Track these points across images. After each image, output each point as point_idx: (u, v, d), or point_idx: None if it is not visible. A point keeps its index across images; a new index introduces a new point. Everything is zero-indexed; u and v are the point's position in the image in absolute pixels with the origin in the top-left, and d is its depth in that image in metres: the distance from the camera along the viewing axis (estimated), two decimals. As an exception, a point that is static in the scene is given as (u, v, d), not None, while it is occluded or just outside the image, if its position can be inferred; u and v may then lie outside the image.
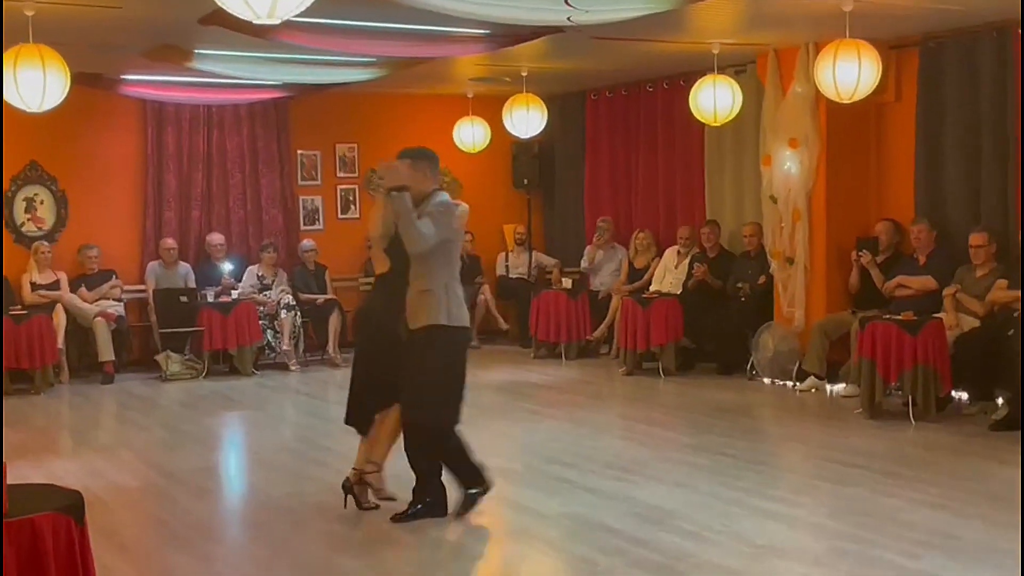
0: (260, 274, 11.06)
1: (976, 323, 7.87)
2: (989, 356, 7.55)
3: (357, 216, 12.22)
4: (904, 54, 8.75)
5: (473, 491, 5.49)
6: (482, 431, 7.74)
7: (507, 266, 12.50)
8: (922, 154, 8.80)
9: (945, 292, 8.15)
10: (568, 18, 6.10)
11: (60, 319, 9.93)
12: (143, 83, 10.08)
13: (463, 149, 11.62)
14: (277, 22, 3.76)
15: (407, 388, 5.36)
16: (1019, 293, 7.57)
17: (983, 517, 5.42)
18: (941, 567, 4.67)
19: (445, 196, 5.47)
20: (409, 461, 5.47)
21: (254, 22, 3.73)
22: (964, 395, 8.01)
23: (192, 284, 10.82)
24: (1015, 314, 7.51)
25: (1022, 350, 7.21)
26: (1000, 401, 7.63)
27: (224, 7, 3.65)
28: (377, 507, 5.57)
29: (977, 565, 4.69)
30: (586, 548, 5.06)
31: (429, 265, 5.29)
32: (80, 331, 10.18)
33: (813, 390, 8.93)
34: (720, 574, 4.71)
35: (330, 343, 11.03)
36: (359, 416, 5.71)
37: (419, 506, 5.44)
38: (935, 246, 8.48)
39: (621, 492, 5.98)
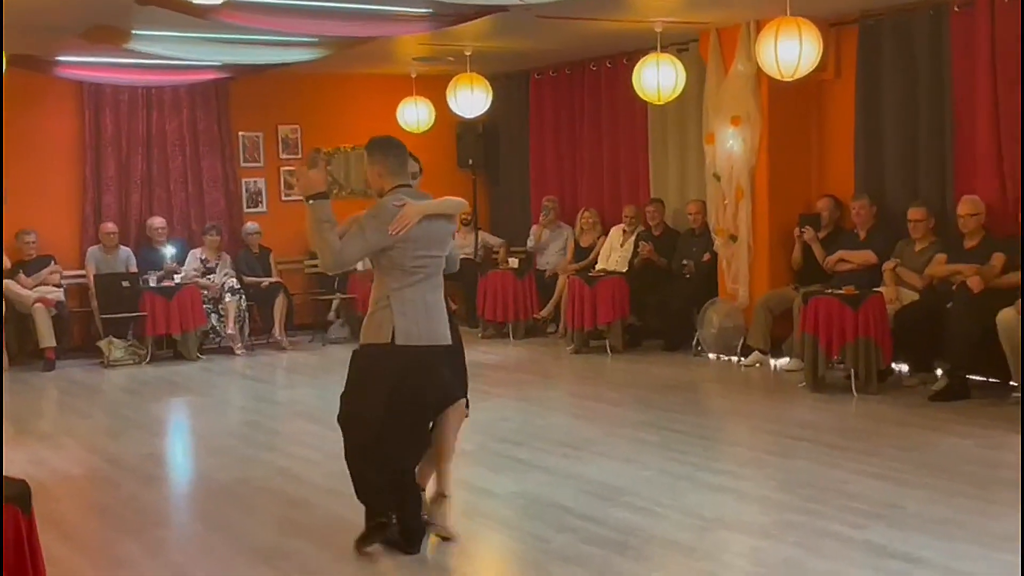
0: (203, 257, 10.94)
1: (915, 296, 8.00)
2: (928, 329, 7.68)
3: (301, 198, 12.06)
4: (843, 32, 8.85)
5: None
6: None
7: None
8: (861, 131, 8.93)
9: (885, 266, 8.28)
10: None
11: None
12: (80, 65, 9.88)
13: (407, 129, 11.52)
14: (219, 2, 3.68)
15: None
16: (957, 267, 7.71)
17: (926, 486, 5.52)
18: (886, 537, 4.74)
19: (401, 195, 4.57)
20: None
21: (194, 1, 3.65)
22: (904, 367, 8.18)
23: (133, 268, 10.65)
24: (953, 287, 7.65)
25: (961, 323, 7.38)
26: (939, 373, 7.78)
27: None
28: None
29: (921, 534, 4.76)
30: (539, 526, 5.08)
31: (378, 275, 4.66)
32: (19, 318, 9.98)
33: (757, 365, 9.04)
34: (671, 548, 4.75)
35: (276, 326, 10.95)
36: None
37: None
38: (875, 221, 8.62)
39: (572, 469, 6.01)
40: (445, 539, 4.80)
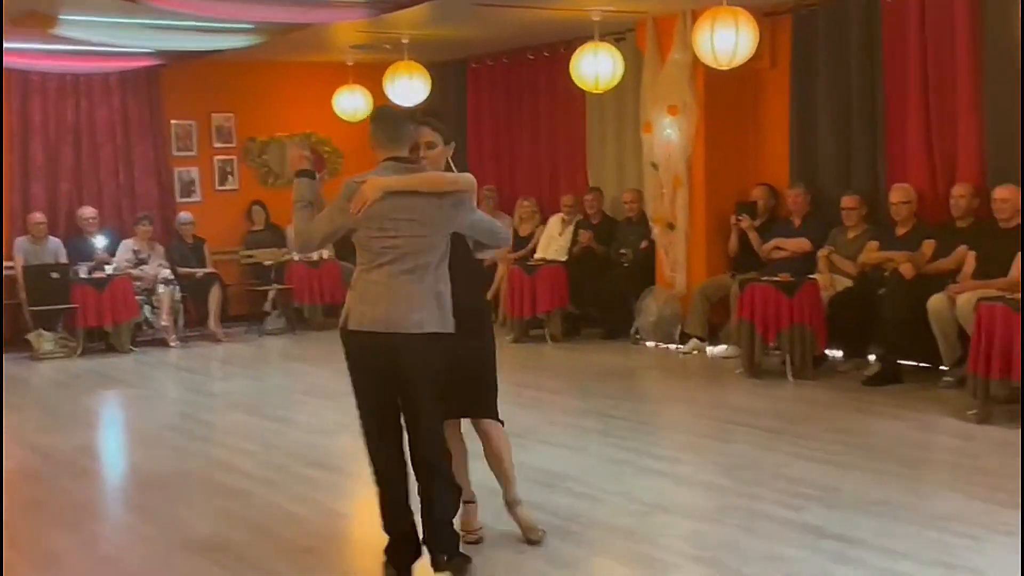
0: (135, 248, 10.75)
1: (849, 283, 8.10)
2: (861, 315, 7.79)
3: (236, 187, 11.97)
4: (778, 21, 8.91)
5: None
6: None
7: (391, 236, 12.40)
8: (796, 120, 9.04)
9: (819, 253, 8.37)
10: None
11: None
12: (6, 51, 9.62)
13: (343, 118, 11.47)
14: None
15: None
16: (889, 254, 7.84)
17: (861, 468, 5.61)
18: (822, 518, 4.81)
19: (381, 169, 4.14)
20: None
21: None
22: (838, 353, 8.27)
23: (63, 259, 10.42)
24: (885, 274, 7.78)
25: (893, 309, 7.51)
26: (872, 358, 7.91)
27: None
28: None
29: (857, 515, 4.83)
30: (482, 512, 5.02)
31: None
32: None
33: (695, 352, 9.11)
34: (612, 533, 4.78)
35: (211, 317, 10.80)
36: None
37: None
38: (809, 209, 8.71)
39: (513, 457, 6.00)
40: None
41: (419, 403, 4.14)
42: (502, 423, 4.62)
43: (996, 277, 7.10)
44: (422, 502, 4.18)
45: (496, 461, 4.62)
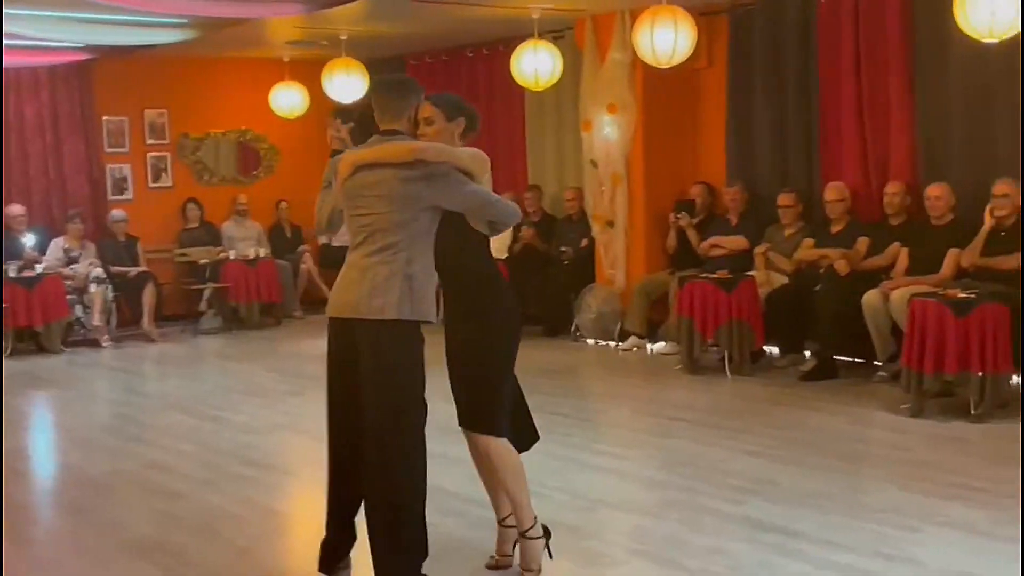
0: (66, 247, 10.57)
1: (785, 280, 8.21)
2: (797, 311, 7.89)
3: (169, 185, 11.82)
4: (715, 21, 8.98)
5: None
6: (311, 401, 7.64)
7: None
8: (733, 118, 9.13)
9: (756, 251, 8.48)
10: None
11: None
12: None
13: (280, 115, 11.42)
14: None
15: None
16: (824, 251, 7.95)
17: (798, 462, 5.67)
18: (762, 511, 4.86)
19: (370, 141, 3.91)
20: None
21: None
22: (775, 349, 8.38)
23: (-9, 258, 10.23)
24: (821, 271, 7.90)
25: (828, 305, 7.62)
26: (808, 354, 8.02)
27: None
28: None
29: (796, 508, 4.89)
30: (427, 510, 5.04)
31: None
32: None
33: (635, 349, 9.17)
34: (556, 528, 4.73)
35: (145, 317, 10.65)
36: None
37: None
38: (746, 207, 8.82)
39: (456, 455, 5.88)
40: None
41: (369, 399, 3.79)
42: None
43: (929, 273, 7.24)
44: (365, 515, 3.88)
45: (492, 481, 4.19)
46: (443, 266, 3.95)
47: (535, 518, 4.06)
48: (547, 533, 4.14)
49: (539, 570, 4.04)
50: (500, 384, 4.05)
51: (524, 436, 4.29)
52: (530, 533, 4.03)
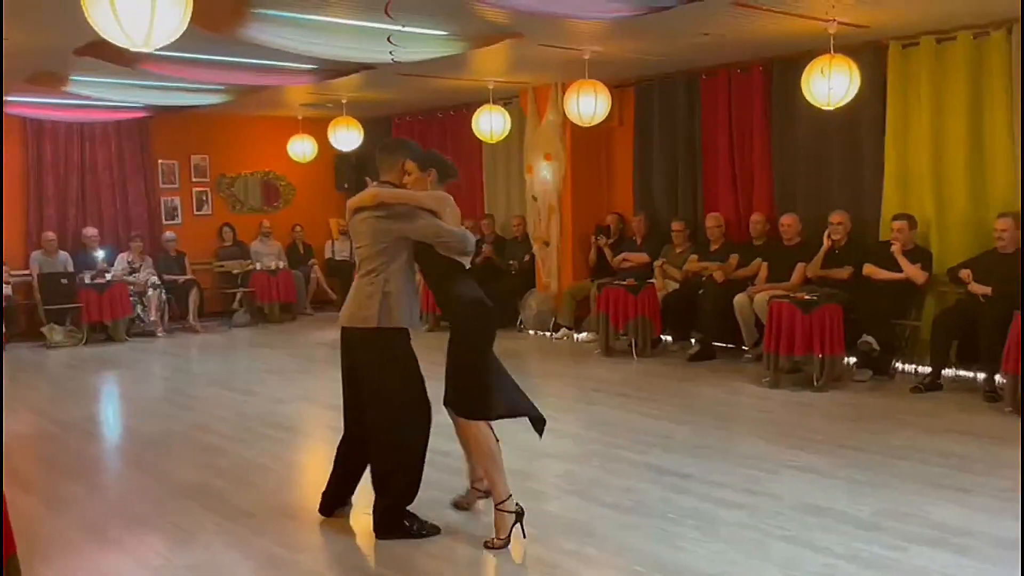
0: (129, 260, 10.36)
1: (676, 286, 8.25)
2: (686, 309, 7.95)
3: (210, 213, 11.64)
4: (625, 92, 9.02)
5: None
6: (321, 378, 7.60)
7: (333, 251, 12.23)
8: (638, 164, 9.17)
9: (655, 264, 8.52)
10: (390, 53, 5.94)
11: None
12: (23, 104, 9.18)
13: (295, 160, 11.29)
14: (151, 50, 3.49)
15: None
16: (705, 264, 8.02)
17: (687, 422, 5.74)
18: (662, 459, 4.91)
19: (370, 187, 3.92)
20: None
21: (131, 49, 3.45)
22: (670, 337, 8.41)
23: (71, 269, 9.98)
24: (703, 279, 7.97)
25: (709, 304, 7.70)
26: (694, 341, 8.10)
27: (104, 36, 3.35)
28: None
29: (686, 456, 4.95)
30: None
31: None
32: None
33: (565, 337, 9.17)
34: (508, 474, 4.73)
35: (190, 314, 10.47)
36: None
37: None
38: (648, 231, 8.87)
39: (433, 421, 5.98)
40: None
41: (367, 386, 3.82)
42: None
43: (782, 281, 7.34)
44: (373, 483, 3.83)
45: (467, 454, 4.06)
46: (434, 290, 3.96)
47: (510, 495, 3.75)
48: (520, 513, 3.76)
49: (506, 542, 3.69)
50: (475, 373, 3.83)
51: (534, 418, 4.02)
52: (503, 506, 3.74)
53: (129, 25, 3.21)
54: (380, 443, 3.85)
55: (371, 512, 3.89)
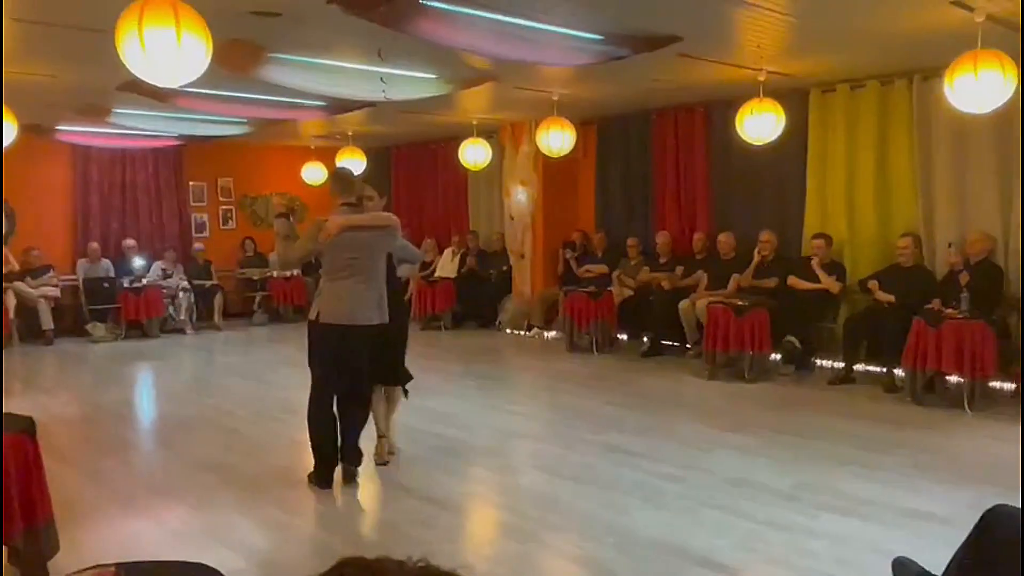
0: (163, 267, 10.22)
1: (631, 293, 8.26)
2: (639, 312, 7.97)
3: (234, 227, 11.53)
4: (588, 128, 9.02)
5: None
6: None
7: (339, 261, 12.17)
8: (599, 189, 9.19)
9: (614, 274, 8.53)
10: (383, 92, 5.93)
11: (11, 300, 8.85)
12: (72, 132, 9.06)
13: (308, 183, 11.18)
14: (177, 87, 3.46)
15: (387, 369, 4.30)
16: (655, 275, 8.04)
17: (638, 408, 5.73)
18: (615, 440, 4.90)
19: (340, 211, 4.00)
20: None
21: (159, 85, 3.41)
22: (625, 336, 8.45)
23: (112, 274, 9.85)
24: (653, 287, 7.99)
25: (658, 308, 7.71)
26: (645, 339, 8.12)
27: (136, 74, 3.31)
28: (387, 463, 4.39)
29: (635, 437, 4.95)
30: (399, 439, 4.98)
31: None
32: (28, 310, 9.07)
33: (536, 336, 9.17)
34: (483, 452, 4.76)
35: (216, 314, 10.35)
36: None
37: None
38: (607, 246, 8.88)
39: (420, 404, 5.86)
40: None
41: (364, 367, 4.04)
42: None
43: (720, 290, 7.36)
44: (346, 429, 4.06)
45: (386, 412, 4.50)
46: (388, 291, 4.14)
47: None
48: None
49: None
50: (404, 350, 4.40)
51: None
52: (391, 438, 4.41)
53: (157, 64, 3.17)
54: (365, 403, 4.21)
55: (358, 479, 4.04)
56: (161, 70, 3.18)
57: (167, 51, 3.11)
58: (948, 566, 1.90)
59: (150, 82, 3.32)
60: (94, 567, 1.64)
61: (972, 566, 1.81)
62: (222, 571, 1.83)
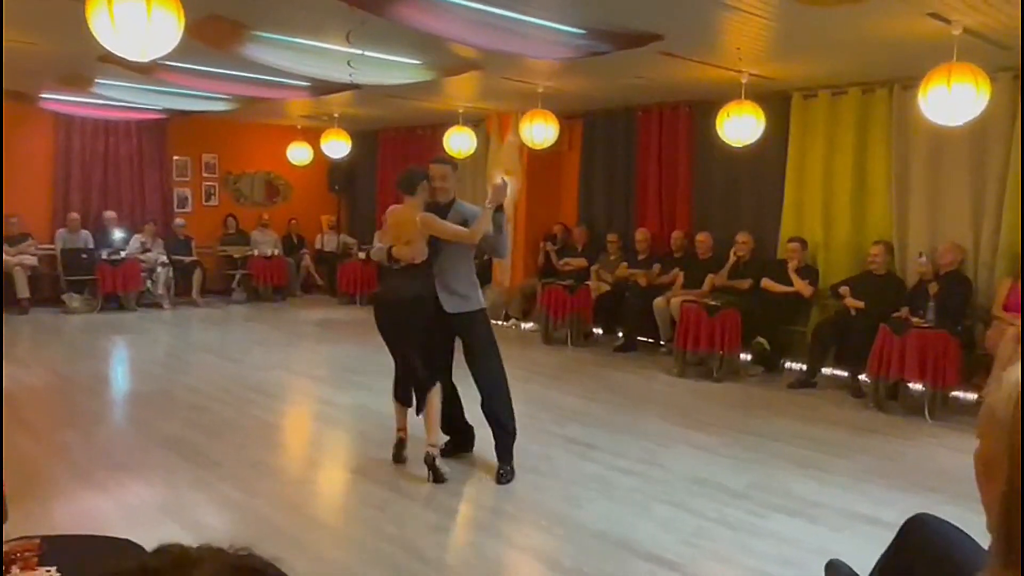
0: (143, 240, 10.16)
1: (608, 288, 8.27)
2: (615, 308, 7.97)
3: (216, 204, 11.46)
4: (573, 122, 9.00)
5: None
6: (302, 350, 7.53)
7: (323, 243, 12.09)
8: (582, 184, 9.18)
9: (592, 269, 8.52)
10: (350, 76, 5.88)
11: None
12: (55, 101, 8.96)
13: (294, 163, 11.13)
14: (147, 60, 3.43)
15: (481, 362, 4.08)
16: (633, 271, 8.05)
17: (606, 402, 5.77)
18: (578, 432, 4.94)
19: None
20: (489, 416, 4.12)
21: (130, 59, 3.38)
22: (600, 330, 8.47)
23: (91, 245, 9.78)
24: (630, 283, 8.01)
25: (634, 304, 7.74)
26: (619, 334, 8.15)
27: (105, 47, 3.28)
28: (446, 480, 3.98)
29: (599, 430, 4.99)
30: (367, 425, 5.01)
31: (468, 260, 4.14)
32: (2, 276, 9.00)
33: (514, 326, 9.19)
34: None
35: (194, 290, 10.31)
36: (417, 395, 4.15)
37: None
38: (587, 240, 8.88)
39: (389, 389, 5.94)
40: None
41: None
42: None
43: (695, 288, 7.38)
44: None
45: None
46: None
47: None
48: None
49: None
50: None
51: None
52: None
53: (126, 37, 3.14)
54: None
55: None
56: (130, 43, 3.16)
57: (136, 24, 3.08)
58: (871, 573, 1.94)
59: (119, 55, 3.29)
60: (19, 539, 1.64)
61: (892, 573, 1.85)
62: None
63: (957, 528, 1.75)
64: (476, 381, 4.05)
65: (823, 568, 2.97)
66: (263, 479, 3.99)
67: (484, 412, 4.06)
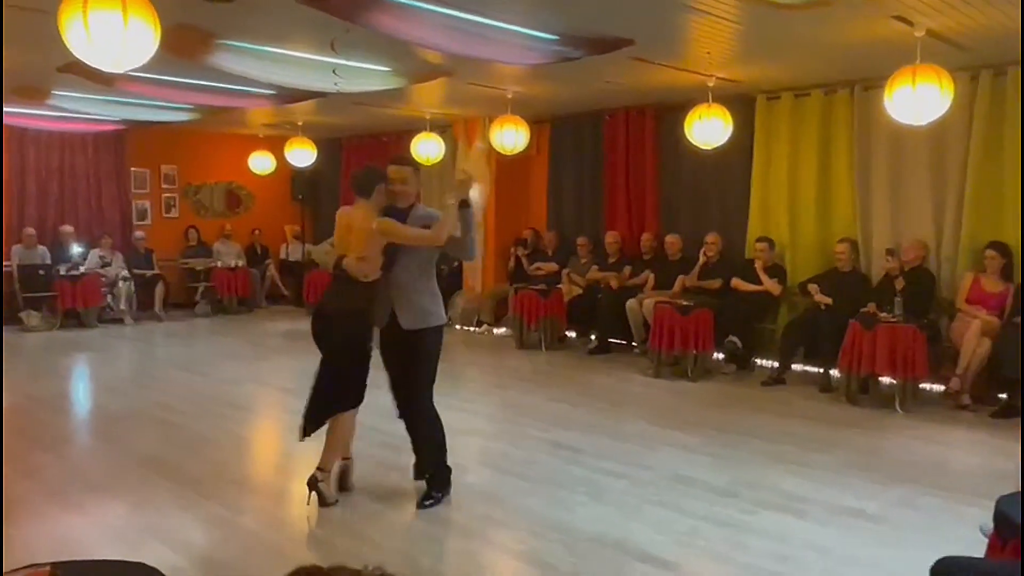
0: (102, 254, 9.92)
1: (580, 291, 8.32)
2: (588, 311, 8.02)
3: (177, 216, 11.23)
4: (542, 127, 9.06)
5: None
6: (271, 363, 7.41)
7: (287, 252, 11.95)
8: (552, 188, 9.23)
9: (563, 272, 8.57)
10: (335, 84, 5.85)
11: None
12: (9, 114, 8.69)
13: (256, 173, 10.96)
14: (122, 71, 3.35)
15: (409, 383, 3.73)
16: (604, 274, 8.11)
17: (584, 405, 5.78)
18: (560, 436, 4.94)
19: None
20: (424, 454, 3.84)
21: (104, 70, 3.30)
22: (573, 334, 8.52)
23: (48, 261, 9.49)
24: (602, 286, 8.07)
25: (606, 307, 7.79)
26: (593, 337, 8.19)
27: (81, 59, 3.20)
28: (336, 502, 3.74)
29: (580, 434, 5.00)
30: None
31: (429, 269, 3.73)
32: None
33: (486, 332, 9.18)
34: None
35: (156, 304, 10.10)
36: (316, 420, 3.77)
37: (438, 495, 3.79)
38: (558, 244, 8.93)
39: (374, 402, 5.87)
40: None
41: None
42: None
43: (666, 290, 7.48)
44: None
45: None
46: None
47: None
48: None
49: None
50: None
51: None
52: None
53: (101, 48, 3.07)
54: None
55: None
56: (106, 54, 3.08)
57: (112, 35, 3.01)
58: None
59: (94, 66, 3.21)
60: (28, 567, 1.59)
61: None
62: (162, 570, 1.80)
63: (980, 559, 1.74)
64: (393, 389, 3.75)
65: (823, 563, 3.03)
66: (246, 495, 3.91)
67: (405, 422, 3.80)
